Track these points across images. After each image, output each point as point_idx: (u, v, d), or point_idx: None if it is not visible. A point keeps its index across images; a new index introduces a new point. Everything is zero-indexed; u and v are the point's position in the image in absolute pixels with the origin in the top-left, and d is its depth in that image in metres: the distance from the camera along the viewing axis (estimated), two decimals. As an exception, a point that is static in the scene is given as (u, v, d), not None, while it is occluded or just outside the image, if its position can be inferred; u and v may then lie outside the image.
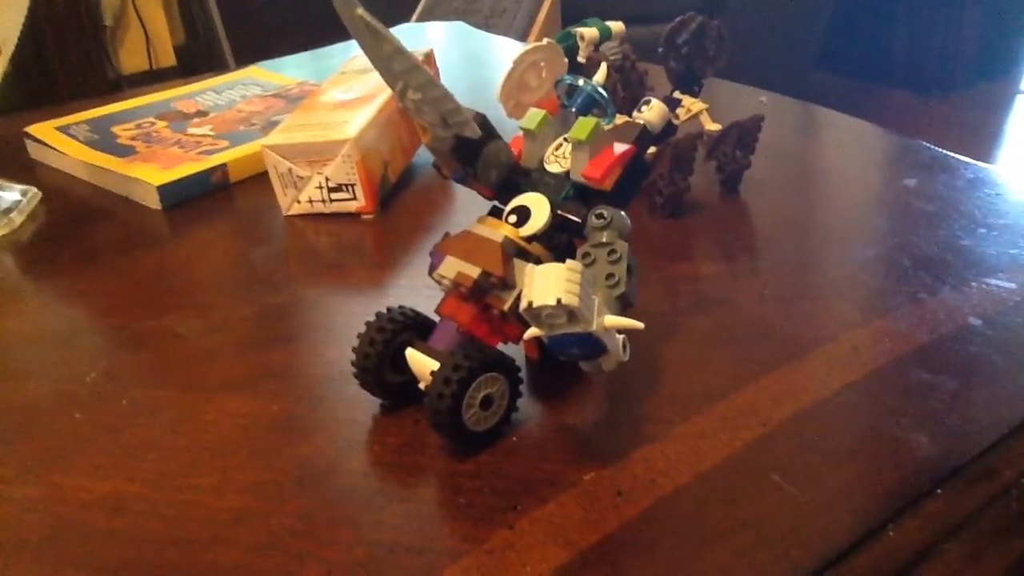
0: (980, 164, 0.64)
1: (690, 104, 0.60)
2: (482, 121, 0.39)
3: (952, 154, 0.67)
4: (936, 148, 0.68)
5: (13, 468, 0.39)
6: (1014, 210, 0.58)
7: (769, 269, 0.52)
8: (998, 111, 2.67)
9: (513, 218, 0.39)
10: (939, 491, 0.36)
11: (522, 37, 1.66)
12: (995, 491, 0.36)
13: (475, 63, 0.97)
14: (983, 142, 2.45)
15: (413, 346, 0.39)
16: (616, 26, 0.64)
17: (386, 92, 0.65)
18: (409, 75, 0.35)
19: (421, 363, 0.38)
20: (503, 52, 1.01)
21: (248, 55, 1.25)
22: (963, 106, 2.61)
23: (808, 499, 0.35)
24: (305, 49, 1.01)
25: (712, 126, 0.63)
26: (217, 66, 2.00)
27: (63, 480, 0.38)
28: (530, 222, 0.39)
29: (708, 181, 0.62)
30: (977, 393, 0.41)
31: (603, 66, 0.46)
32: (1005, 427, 0.39)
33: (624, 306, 0.35)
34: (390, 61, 0.35)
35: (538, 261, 0.38)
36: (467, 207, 0.60)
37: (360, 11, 0.32)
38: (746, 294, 0.49)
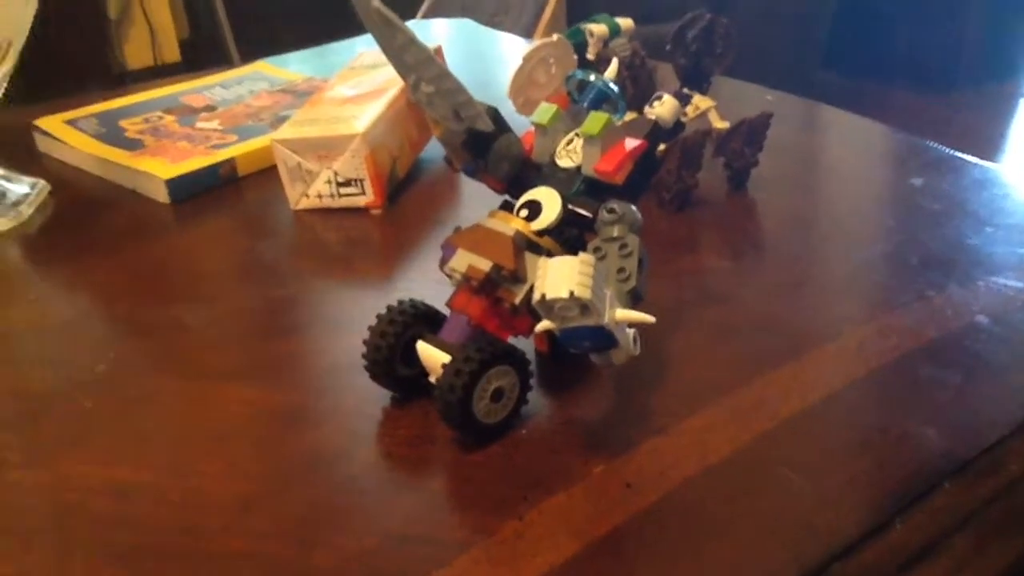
0: (986, 164, 0.65)
1: (698, 101, 0.60)
2: (494, 114, 0.40)
3: (959, 154, 0.67)
4: (942, 148, 0.68)
5: (21, 454, 0.39)
6: (1021, 210, 0.58)
7: (776, 265, 0.52)
8: (1001, 114, 2.67)
9: (524, 212, 0.39)
10: (946, 485, 0.36)
11: (527, 34, 1.66)
12: (1001, 485, 0.36)
13: (481, 60, 0.98)
14: (986, 145, 2.45)
15: (424, 339, 0.39)
16: (625, 22, 0.64)
17: (395, 87, 0.65)
18: (423, 67, 0.36)
19: (432, 356, 0.38)
20: (509, 49, 1.01)
21: (252, 51, 1.25)
22: (966, 108, 2.61)
23: (816, 492, 0.35)
24: (308, 45, 1.01)
25: (720, 124, 0.63)
26: (222, 62, 2.00)
27: (71, 467, 0.38)
28: (541, 216, 0.39)
29: (716, 178, 0.62)
30: (984, 389, 0.41)
31: (614, 62, 0.46)
32: (1012, 423, 0.39)
33: (634, 300, 0.36)
34: (403, 53, 0.35)
35: (549, 255, 0.38)
36: (475, 202, 0.60)
37: (376, 3, 0.33)
38: (753, 289, 0.50)
